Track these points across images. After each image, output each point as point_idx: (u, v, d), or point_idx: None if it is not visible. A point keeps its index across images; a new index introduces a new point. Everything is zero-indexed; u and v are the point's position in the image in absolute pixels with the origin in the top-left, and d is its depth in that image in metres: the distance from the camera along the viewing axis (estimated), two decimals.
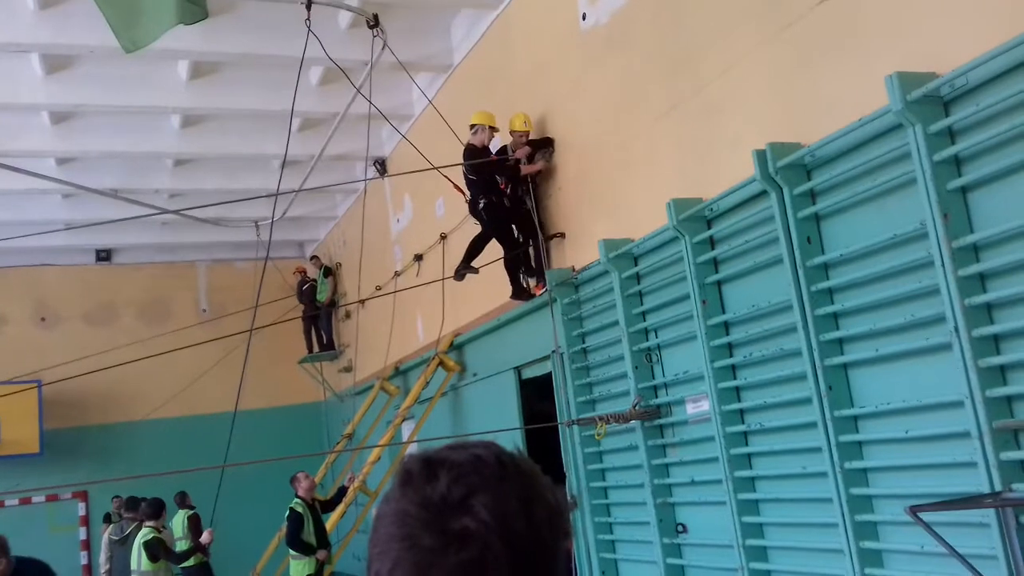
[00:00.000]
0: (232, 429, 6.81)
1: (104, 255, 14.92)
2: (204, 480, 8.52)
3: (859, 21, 4.46)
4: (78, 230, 11.71)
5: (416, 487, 0.82)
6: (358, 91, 8.12)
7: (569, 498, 6.09)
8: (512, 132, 7.54)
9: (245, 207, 10.39)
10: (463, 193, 7.80)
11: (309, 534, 8.59)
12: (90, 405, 13.83)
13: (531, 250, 7.68)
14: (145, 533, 7.49)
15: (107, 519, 12.98)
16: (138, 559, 7.50)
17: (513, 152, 7.51)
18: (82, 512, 13.24)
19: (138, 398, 14.06)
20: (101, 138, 10.46)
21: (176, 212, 10.05)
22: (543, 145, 7.55)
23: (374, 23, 7.68)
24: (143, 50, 3.35)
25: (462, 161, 7.50)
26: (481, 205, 7.50)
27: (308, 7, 6.15)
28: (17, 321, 14.38)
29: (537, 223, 7.51)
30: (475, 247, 7.77)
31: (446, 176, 7.78)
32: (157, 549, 7.28)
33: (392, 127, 9.52)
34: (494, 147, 7.76)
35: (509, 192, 7.57)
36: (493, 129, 7.64)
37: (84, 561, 13.37)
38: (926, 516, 3.71)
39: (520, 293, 7.70)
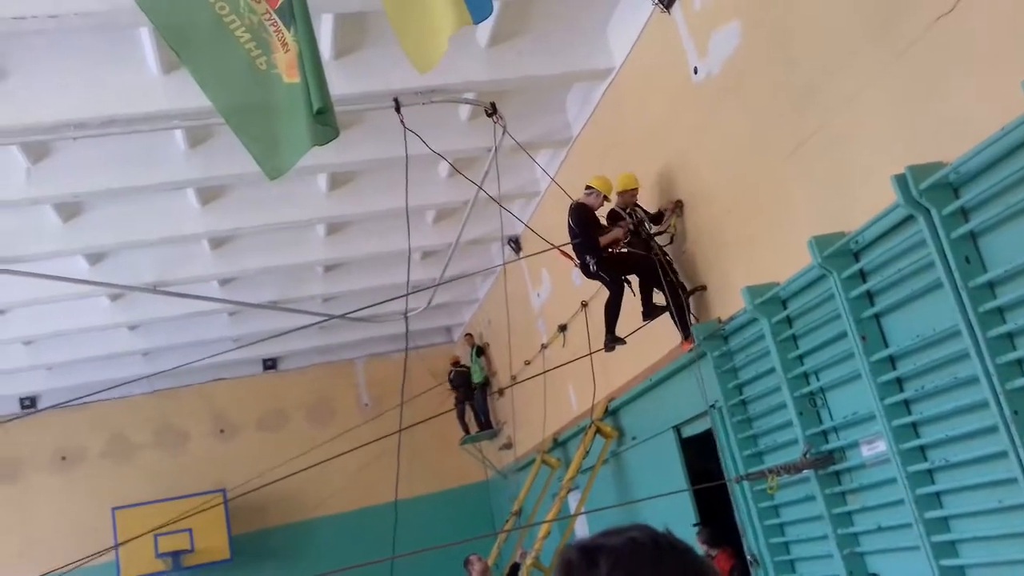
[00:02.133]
0: (396, 519, 6.99)
1: (271, 364, 15.82)
2: (378, 573, 8.72)
3: (981, 32, 4.29)
4: (248, 346, 12.48)
5: None
6: (479, 186, 8.34)
7: (750, 558, 5.86)
8: (620, 193, 7.58)
9: (395, 303, 10.83)
10: (571, 259, 7.80)
11: None
12: (271, 508, 14.53)
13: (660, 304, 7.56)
14: None
15: None
16: None
17: (625, 211, 7.53)
18: None
19: (312, 496, 14.67)
20: (256, 256, 11.23)
21: (332, 317, 10.59)
22: (671, 209, 7.57)
23: (492, 111, 7.98)
24: (284, 174, 3.63)
25: (574, 220, 7.53)
26: (594, 267, 7.47)
27: (398, 109, 6.46)
28: (198, 436, 15.36)
29: (674, 276, 7.43)
30: (611, 314, 7.71)
31: (560, 250, 7.82)
32: None
33: (511, 214, 9.67)
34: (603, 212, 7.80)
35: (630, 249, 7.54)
36: (606, 198, 7.69)
37: None
38: None
39: (612, 343, 7.68)
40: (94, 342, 13.00)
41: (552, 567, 9.98)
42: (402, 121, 6.55)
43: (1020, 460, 4.28)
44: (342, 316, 10.16)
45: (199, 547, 13.81)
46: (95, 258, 10.51)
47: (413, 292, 8.43)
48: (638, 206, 7.70)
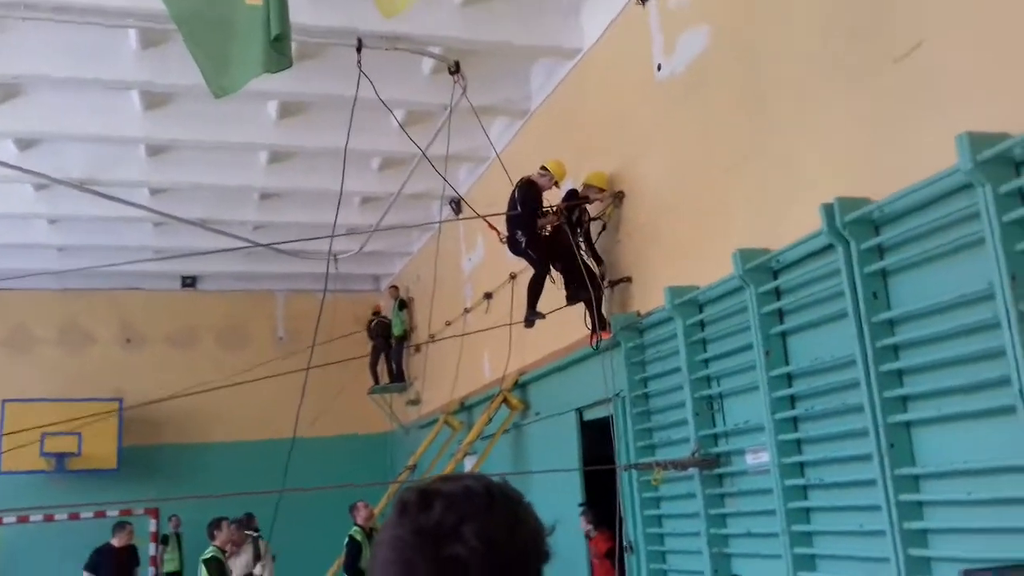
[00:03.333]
0: (290, 455, 7.02)
1: (190, 282, 15.54)
2: (271, 504, 8.74)
3: (935, 79, 4.47)
4: (169, 259, 12.26)
5: (412, 516, 0.91)
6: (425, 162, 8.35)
7: (626, 543, 6.06)
8: (587, 186, 7.67)
9: (325, 240, 10.75)
10: (497, 232, 7.87)
11: (366, 561, 8.73)
12: (167, 424, 14.37)
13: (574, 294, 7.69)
14: (207, 552, 7.73)
15: (164, 540, 13.35)
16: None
17: (579, 199, 7.63)
18: (152, 528, 13.63)
19: (213, 420, 14.54)
20: (193, 171, 10.99)
21: (260, 245, 10.45)
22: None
23: (455, 70, 7.96)
24: (231, 95, 3.60)
25: (517, 194, 7.60)
26: (524, 243, 7.56)
27: (359, 50, 6.40)
28: (103, 342, 15.04)
29: (597, 269, 7.56)
30: (534, 291, 7.84)
31: (487, 221, 7.88)
32: (212, 569, 7.48)
33: (443, 177, 9.63)
34: (562, 192, 7.88)
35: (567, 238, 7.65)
36: (557, 184, 7.78)
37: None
38: None
39: (532, 319, 7.78)
40: (11, 229, 12.59)
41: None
42: (359, 63, 6.49)
43: (887, 490, 4.54)
44: (267, 245, 10.06)
45: (86, 452, 13.56)
46: (25, 144, 10.16)
47: (342, 235, 8.40)
48: (587, 205, 7.76)
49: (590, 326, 7.53)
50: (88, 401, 13.03)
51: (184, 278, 15.45)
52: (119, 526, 9.07)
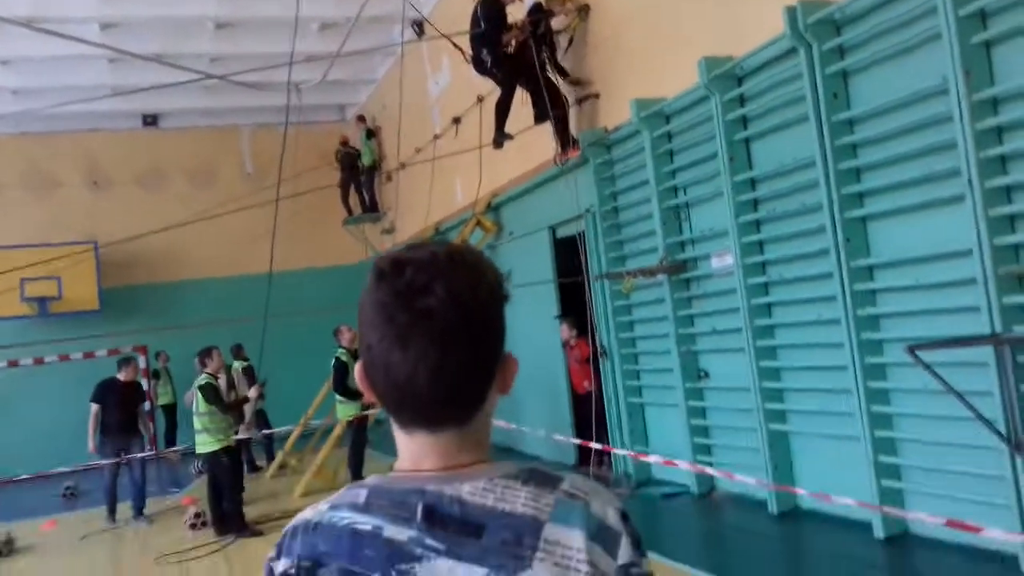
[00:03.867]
0: (269, 286, 7.22)
1: (151, 120, 15.21)
2: (257, 336, 9.04)
3: None
4: (125, 96, 11.95)
5: (389, 280, 1.08)
6: None
7: (600, 349, 6.40)
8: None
9: (284, 70, 10.52)
10: (462, 52, 7.78)
11: (353, 380, 9.14)
12: (144, 265, 14.49)
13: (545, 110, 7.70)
14: (201, 379, 8.07)
15: (156, 375, 13.80)
16: (196, 401, 8.13)
17: (546, 11, 7.51)
18: (143, 365, 14.05)
19: (189, 259, 14.69)
20: (143, 3, 10.56)
21: (216, 77, 10.19)
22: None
23: None
24: None
25: (482, 12, 7.46)
26: (489, 62, 7.50)
27: None
28: (71, 185, 14.87)
29: (560, 85, 7.53)
30: (501, 112, 7.84)
31: (449, 39, 7.75)
32: (209, 393, 7.85)
33: None
34: (526, 6, 7.74)
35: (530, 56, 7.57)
36: None
37: (147, 409, 14.28)
38: (927, 356, 3.99)
39: (500, 140, 7.88)
40: None
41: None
42: None
43: (843, 280, 4.85)
44: (222, 77, 9.83)
45: (67, 296, 13.72)
46: None
47: (300, 62, 8.24)
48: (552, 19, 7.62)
49: (557, 145, 7.62)
50: (62, 246, 13.04)
51: (145, 116, 15.10)
52: (125, 361, 9.35)
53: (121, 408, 8.95)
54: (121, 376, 9.13)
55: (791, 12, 4.88)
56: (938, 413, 4.40)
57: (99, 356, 13.35)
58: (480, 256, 1.14)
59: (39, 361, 13.45)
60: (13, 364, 13.11)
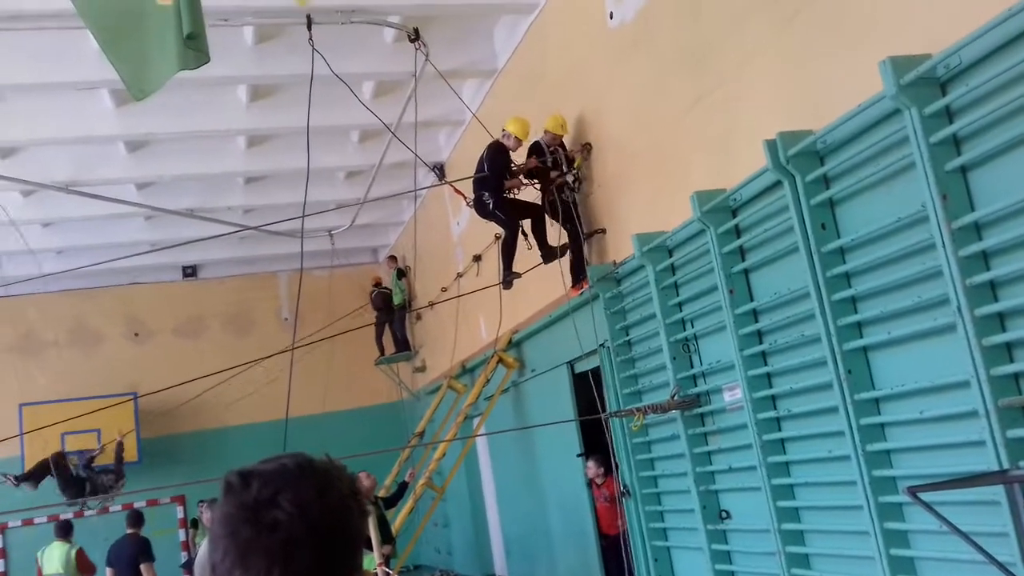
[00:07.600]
0: (285, 431, 7.19)
1: (190, 271, 15.73)
2: None
3: (855, 5, 4.49)
4: (164, 250, 12.40)
5: (235, 494, 1.05)
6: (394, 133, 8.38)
7: (622, 488, 6.17)
8: (546, 132, 7.71)
9: (318, 218, 10.86)
10: (463, 195, 7.95)
11: (372, 530, 8.94)
12: (183, 414, 14.63)
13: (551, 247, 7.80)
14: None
15: (194, 524, 13.73)
16: None
17: (549, 148, 7.67)
18: (180, 515, 14.01)
19: (225, 405, 14.82)
20: (174, 162, 11.08)
21: (250, 228, 10.58)
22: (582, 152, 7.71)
23: (415, 37, 7.98)
24: (151, 96, 3.68)
25: (487, 156, 7.65)
26: (491, 205, 7.62)
27: (308, 27, 6.45)
28: (112, 339, 15.29)
29: (577, 219, 7.63)
30: (507, 253, 7.94)
31: (452, 186, 7.95)
32: None
33: (408, 146, 9.68)
34: (526, 147, 7.92)
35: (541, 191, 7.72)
36: (519, 140, 7.82)
37: (184, 561, 14.14)
38: (934, 496, 3.75)
39: (508, 279, 7.98)
40: (6, 236, 12.77)
41: (456, 468, 10.36)
42: (310, 39, 6.54)
43: (848, 414, 4.64)
44: (257, 228, 10.21)
45: (107, 448, 13.89)
46: (6, 152, 10.30)
47: (314, 214, 8.50)
48: (562, 147, 7.81)
49: (569, 279, 7.65)
50: (103, 398, 13.29)
51: (184, 268, 15.64)
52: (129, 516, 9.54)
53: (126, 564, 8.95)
54: (129, 531, 9.19)
55: (772, 145, 4.88)
56: (957, 557, 4.09)
57: (138, 507, 13.35)
58: (332, 464, 1.11)
59: (79, 515, 13.49)
60: (54, 519, 13.16)
